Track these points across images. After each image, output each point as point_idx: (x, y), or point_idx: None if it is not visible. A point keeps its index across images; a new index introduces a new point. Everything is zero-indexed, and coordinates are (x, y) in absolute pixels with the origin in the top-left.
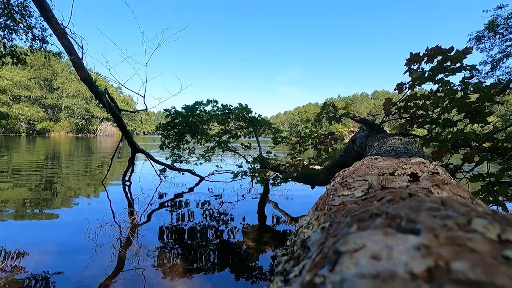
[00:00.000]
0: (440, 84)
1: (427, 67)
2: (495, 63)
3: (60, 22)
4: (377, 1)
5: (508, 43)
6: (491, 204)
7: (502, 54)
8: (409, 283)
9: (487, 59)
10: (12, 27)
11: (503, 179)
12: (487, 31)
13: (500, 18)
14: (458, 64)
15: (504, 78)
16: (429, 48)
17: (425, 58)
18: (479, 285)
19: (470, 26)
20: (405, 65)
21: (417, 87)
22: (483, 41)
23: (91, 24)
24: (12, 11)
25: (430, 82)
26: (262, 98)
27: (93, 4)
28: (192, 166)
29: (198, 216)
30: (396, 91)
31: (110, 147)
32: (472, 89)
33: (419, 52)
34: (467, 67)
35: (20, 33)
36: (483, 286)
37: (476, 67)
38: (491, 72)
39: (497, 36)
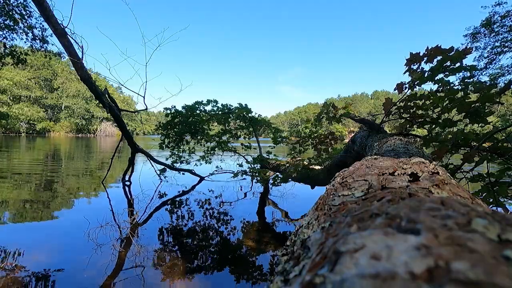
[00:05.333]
0: (440, 84)
1: (427, 67)
2: (491, 58)
3: (60, 22)
4: (377, 1)
5: (501, 42)
6: (491, 206)
7: (497, 50)
8: (409, 283)
9: (482, 54)
10: (12, 27)
11: (503, 179)
12: (483, 28)
13: (497, 15)
14: (457, 64)
15: (499, 73)
16: (429, 48)
17: (425, 58)
18: (479, 285)
19: (470, 25)
20: (405, 65)
21: (417, 87)
22: (478, 37)
23: (91, 24)
24: (11, 12)
25: (430, 82)
26: (262, 98)
27: (93, 4)
28: (192, 166)
29: (198, 216)
30: (396, 91)
31: (110, 147)
32: (472, 89)
33: (419, 52)
34: (467, 67)
35: (20, 33)
36: (483, 286)
37: (476, 66)
38: (485, 70)
39: (492, 35)
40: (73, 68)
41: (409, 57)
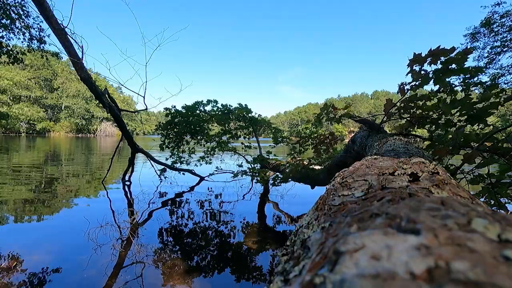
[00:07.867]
0: (440, 85)
1: (429, 68)
2: (491, 58)
3: (60, 22)
4: (377, 1)
5: (501, 42)
6: (491, 202)
7: (496, 50)
8: (409, 283)
9: (481, 54)
10: (9, 27)
11: (503, 179)
12: (482, 28)
13: (496, 15)
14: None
15: (499, 74)
16: (432, 50)
17: (428, 59)
18: (479, 285)
19: (470, 25)
20: (407, 65)
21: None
22: (477, 37)
23: (91, 24)
24: (8, 11)
25: (431, 83)
26: (262, 98)
27: (93, 4)
28: (192, 166)
29: (198, 216)
30: (398, 92)
31: (110, 147)
32: (473, 89)
33: (421, 53)
34: (472, 70)
35: (16, 32)
36: (483, 286)
37: (481, 67)
38: (485, 69)
39: (491, 34)
40: (73, 68)
41: (412, 58)
